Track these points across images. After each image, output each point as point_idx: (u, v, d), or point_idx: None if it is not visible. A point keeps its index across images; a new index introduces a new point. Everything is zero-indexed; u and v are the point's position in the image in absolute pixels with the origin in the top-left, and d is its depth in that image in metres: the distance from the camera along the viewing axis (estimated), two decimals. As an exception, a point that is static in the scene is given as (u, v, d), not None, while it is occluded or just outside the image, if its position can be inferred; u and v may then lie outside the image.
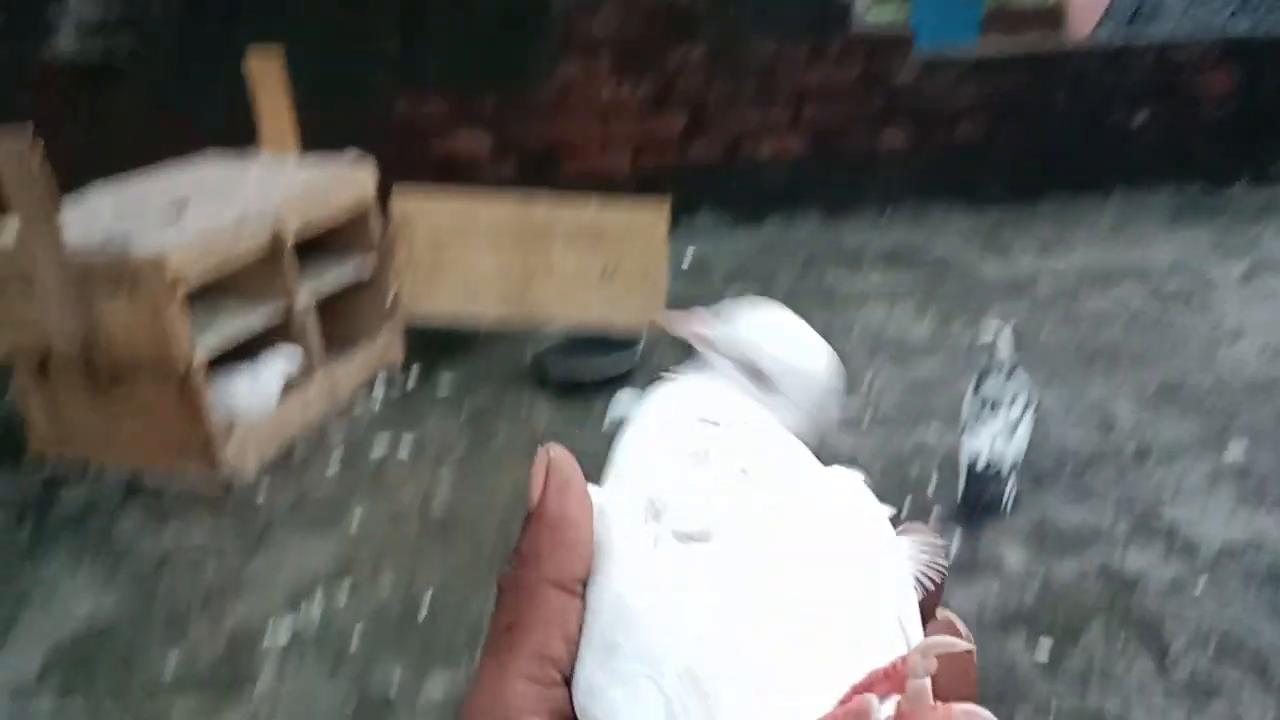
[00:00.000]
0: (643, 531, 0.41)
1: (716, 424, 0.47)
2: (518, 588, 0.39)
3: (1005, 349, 2.91)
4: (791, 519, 0.42)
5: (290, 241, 3.32)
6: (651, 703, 0.35)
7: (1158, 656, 2.21)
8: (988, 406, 2.78)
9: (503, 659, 0.37)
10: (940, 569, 0.43)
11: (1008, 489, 2.73)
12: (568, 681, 0.38)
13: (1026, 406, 2.80)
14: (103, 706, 2.27)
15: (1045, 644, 2.28)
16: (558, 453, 0.42)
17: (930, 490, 2.92)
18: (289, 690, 2.30)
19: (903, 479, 2.98)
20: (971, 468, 2.71)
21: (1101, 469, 2.98)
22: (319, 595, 2.63)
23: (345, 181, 3.70)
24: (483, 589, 2.60)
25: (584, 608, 0.39)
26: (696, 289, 4.67)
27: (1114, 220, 5.39)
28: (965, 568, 2.56)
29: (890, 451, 3.16)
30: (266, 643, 2.46)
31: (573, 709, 0.37)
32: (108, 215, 3.18)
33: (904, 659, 0.33)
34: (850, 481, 0.47)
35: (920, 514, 2.79)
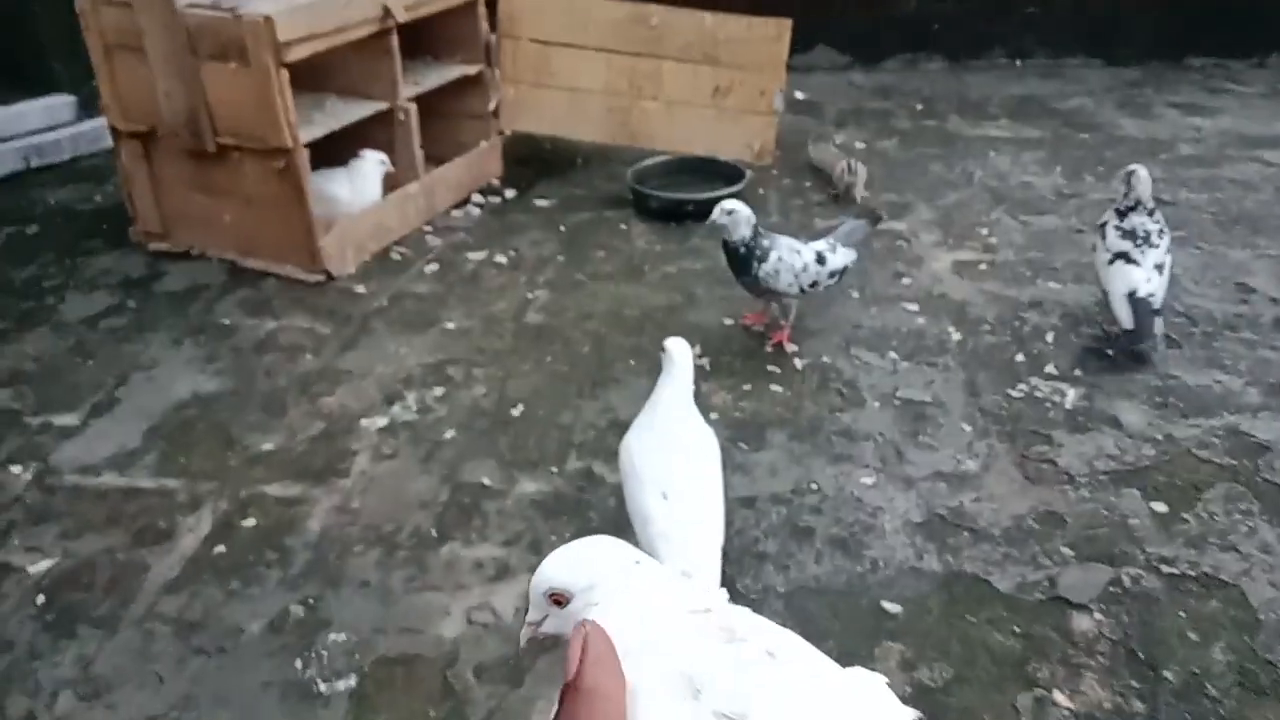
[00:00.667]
0: (681, 711, 0.41)
1: (708, 610, 0.48)
2: None
3: (1145, 188, 2.72)
4: (820, 709, 0.43)
5: (399, 17, 3.18)
6: None
7: (1285, 525, 2.09)
8: (1139, 239, 2.64)
9: None
10: None
11: (1159, 326, 2.62)
12: None
13: (1170, 248, 2.67)
14: (198, 481, 2.31)
15: (1160, 503, 2.16)
16: (593, 628, 0.42)
17: (1049, 340, 2.77)
18: (381, 477, 2.32)
19: (1018, 329, 2.83)
20: (1132, 294, 2.58)
21: (1235, 335, 2.79)
22: (414, 391, 2.62)
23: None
24: (574, 400, 2.57)
25: None
26: (807, 126, 4.45)
27: (1266, 88, 4.95)
28: (1079, 419, 2.44)
29: (1007, 300, 3.00)
30: (362, 431, 2.47)
31: None
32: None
33: None
34: (872, 684, 0.46)
35: (1036, 365, 2.66)
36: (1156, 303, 2.58)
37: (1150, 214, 2.71)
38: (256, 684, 1.80)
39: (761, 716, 0.42)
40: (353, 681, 1.79)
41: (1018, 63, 5.32)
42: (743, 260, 2.68)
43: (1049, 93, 4.92)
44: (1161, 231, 2.68)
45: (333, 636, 1.89)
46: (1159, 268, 2.61)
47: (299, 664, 1.83)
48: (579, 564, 0.56)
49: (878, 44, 5.27)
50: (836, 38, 5.24)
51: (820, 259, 2.72)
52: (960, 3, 5.17)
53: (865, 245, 2.94)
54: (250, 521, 2.18)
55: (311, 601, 1.97)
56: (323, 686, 1.79)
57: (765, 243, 2.67)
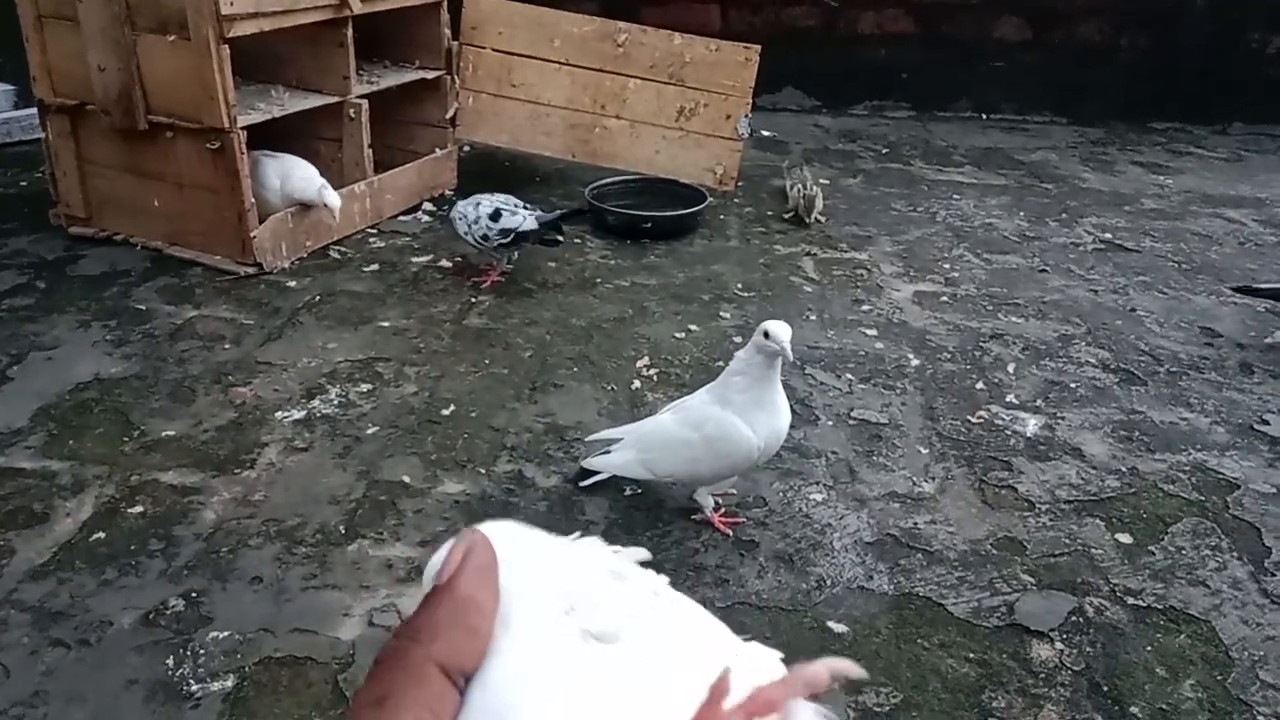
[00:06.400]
0: (550, 624, 0.38)
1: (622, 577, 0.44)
2: (401, 662, 0.35)
3: None
4: (696, 642, 0.40)
5: (354, 8, 3.05)
6: None
7: (1255, 561, 1.96)
8: None
9: None
10: None
11: None
12: None
13: None
14: (86, 465, 2.10)
15: (1125, 534, 2.03)
16: (482, 538, 0.39)
17: (1011, 371, 2.65)
18: (291, 470, 2.12)
19: (979, 359, 2.72)
20: None
21: (1201, 376, 2.69)
22: (338, 386, 2.44)
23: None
24: (511, 403, 2.40)
25: (463, 705, 0.35)
26: (772, 160, 4.38)
27: (1229, 153, 4.98)
28: (1040, 448, 2.31)
29: (968, 330, 2.89)
30: (275, 423, 2.28)
31: None
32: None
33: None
34: (767, 654, 0.43)
35: (998, 393, 2.54)
36: None
37: None
38: (119, 681, 1.58)
39: (632, 640, 0.38)
40: (229, 683, 1.58)
41: (983, 116, 5.32)
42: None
43: (1013, 145, 4.91)
44: None
45: (213, 634, 1.68)
46: None
47: (170, 661, 1.62)
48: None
49: (845, 90, 5.25)
50: (805, 81, 5.22)
51: (495, 215, 2.91)
52: (929, 54, 5.17)
53: (555, 227, 3.01)
54: (137, 509, 1.97)
55: (194, 595, 1.76)
56: (195, 687, 1.57)
57: (461, 200, 3.01)
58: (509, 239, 2.93)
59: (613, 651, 0.38)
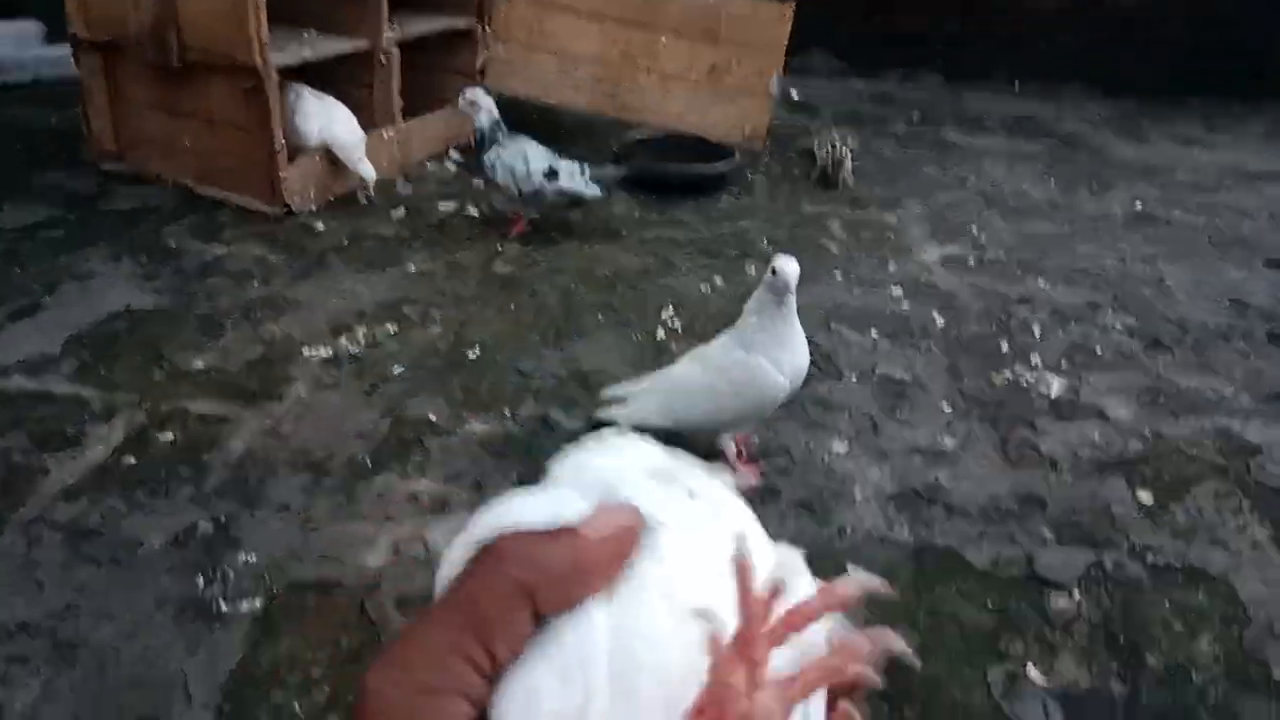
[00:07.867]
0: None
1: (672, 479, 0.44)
2: (500, 576, 0.35)
3: None
4: (727, 548, 0.40)
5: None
6: (579, 691, 0.34)
7: (1276, 524, 1.95)
8: None
9: (451, 623, 0.35)
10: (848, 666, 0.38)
11: None
12: (490, 682, 0.35)
13: None
14: (117, 392, 2.13)
15: (1147, 493, 2.03)
16: (639, 525, 0.38)
17: (1036, 334, 2.65)
18: (318, 405, 2.15)
19: (1005, 321, 2.71)
20: None
21: (1228, 345, 2.68)
22: (365, 326, 2.46)
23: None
24: (537, 348, 2.41)
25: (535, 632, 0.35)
26: (802, 122, 4.35)
27: (1266, 128, 4.90)
28: (1064, 409, 2.31)
29: (995, 294, 2.88)
30: (303, 360, 2.30)
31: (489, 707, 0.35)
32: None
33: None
34: (791, 552, 0.43)
35: (1022, 355, 2.53)
36: None
37: None
38: (150, 598, 1.61)
39: (667, 544, 0.38)
40: (258, 604, 1.61)
41: (1017, 85, 5.25)
42: (477, 144, 2.94)
43: (1046, 115, 4.85)
44: None
45: (242, 557, 1.71)
46: None
47: (200, 581, 1.65)
48: None
49: (877, 55, 5.20)
50: (837, 44, 5.16)
51: (551, 174, 2.87)
52: (964, 21, 5.10)
53: (612, 187, 3.08)
54: (168, 435, 2.00)
55: (223, 520, 1.79)
56: (224, 606, 1.61)
57: (501, 137, 2.91)
58: (565, 199, 2.93)
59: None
